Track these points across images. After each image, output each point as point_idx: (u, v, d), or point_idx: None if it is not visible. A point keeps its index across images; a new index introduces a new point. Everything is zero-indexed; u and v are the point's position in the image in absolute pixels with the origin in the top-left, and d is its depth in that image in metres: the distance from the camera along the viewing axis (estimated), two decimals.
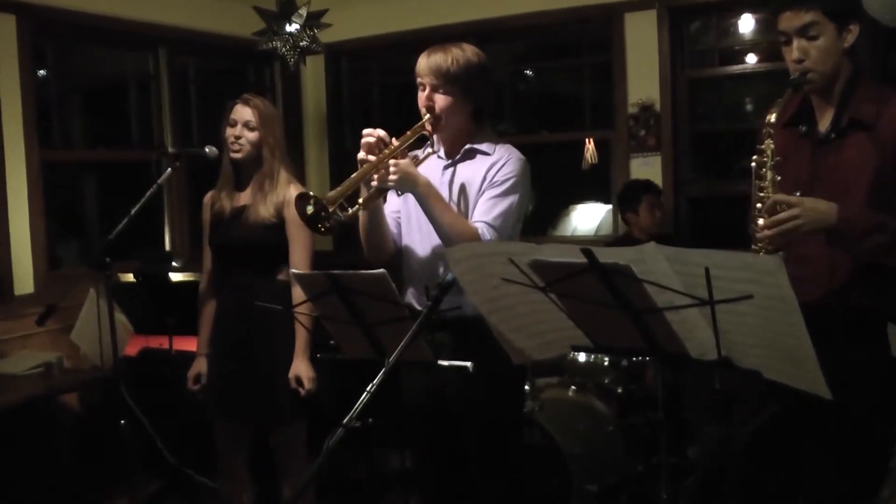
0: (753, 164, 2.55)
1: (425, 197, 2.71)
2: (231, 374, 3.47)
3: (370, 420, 2.18)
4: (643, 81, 5.49)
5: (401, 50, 6.06)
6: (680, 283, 1.84)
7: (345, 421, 2.12)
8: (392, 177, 2.64)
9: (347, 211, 2.66)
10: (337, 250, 6.57)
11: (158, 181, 3.38)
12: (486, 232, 2.73)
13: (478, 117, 2.91)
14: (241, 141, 3.46)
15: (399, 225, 2.99)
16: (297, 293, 2.91)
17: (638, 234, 5.05)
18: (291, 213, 3.43)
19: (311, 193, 2.63)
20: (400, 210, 2.99)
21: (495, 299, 2.24)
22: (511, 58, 6.29)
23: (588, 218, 6.27)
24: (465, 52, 2.81)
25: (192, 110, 6.09)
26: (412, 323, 2.33)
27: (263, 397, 3.42)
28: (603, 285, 1.91)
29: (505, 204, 2.77)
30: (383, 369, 2.23)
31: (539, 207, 6.35)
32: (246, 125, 3.47)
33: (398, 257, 3.00)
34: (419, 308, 2.77)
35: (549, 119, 6.30)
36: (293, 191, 3.46)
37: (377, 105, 6.77)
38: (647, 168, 5.48)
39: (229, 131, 3.49)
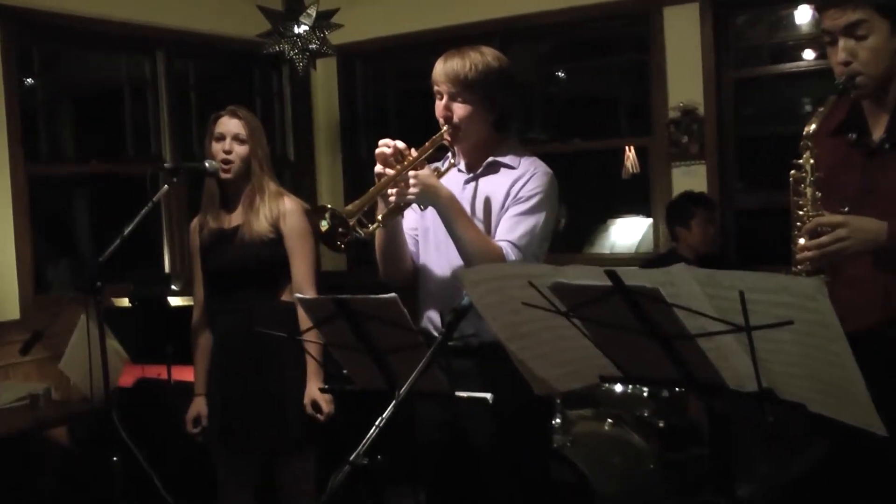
0: (791, 179, 2.54)
1: (448, 211, 2.73)
2: (236, 401, 3.50)
3: (379, 457, 2.19)
4: (685, 82, 5.49)
5: (420, 51, 6.09)
6: (712, 307, 1.84)
7: (351, 458, 2.13)
8: (412, 189, 2.67)
9: (367, 227, 2.70)
10: (352, 270, 6.61)
11: (154, 198, 3.38)
12: (510, 252, 2.75)
13: (500, 127, 2.93)
14: (232, 156, 3.51)
15: (417, 243, 3.02)
16: (304, 315, 2.93)
17: (685, 250, 5.05)
18: (289, 226, 3.48)
19: (329, 206, 2.65)
20: (417, 227, 3.02)
21: (515, 325, 2.26)
22: (539, 59, 6.32)
23: (628, 233, 6.27)
24: (484, 57, 2.83)
25: (193, 119, 6.15)
26: (427, 351, 2.35)
27: (273, 424, 3.45)
28: (629, 310, 1.92)
29: (530, 222, 2.79)
30: (393, 402, 2.24)
31: (573, 222, 6.36)
32: (236, 138, 3.53)
33: (415, 277, 3.03)
34: (436, 333, 2.79)
35: (581, 125, 6.31)
36: (288, 202, 3.52)
37: (394, 112, 6.83)
38: (689, 178, 5.47)
39: (216, 147, 3.53)
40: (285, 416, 3.43)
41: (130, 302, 4.64)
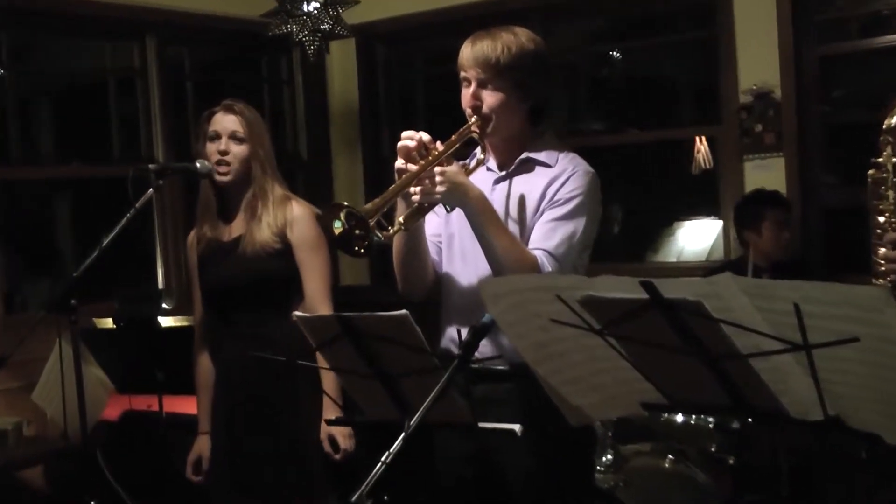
0: (870, 179, 2.53)
1: (479, 214, 2.74)
2: (245, 441, 3.52)
3: (385, 497, 2.21)
4: (758, 62, 5.47)
5: (450, 31, 6.04)
6: (765, 322, 1.84)
7: (354, 498, 2.15)
8: (439, 188, 2.67)
9: (388, 230, 2.71)
10: (376, 284, 6.64)
11: (136, 205, 3.39)
12: (546, 262, 2.76)
13: (536, 119, 2.95)
14: (229, 157, 3.52)
15: (439, 251, 3.03)
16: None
17: (757, 258, 5.03)
18: (298, 234, 3.50)
19: (344, 203, 2.65)
20: (440, 233, 3.03)
21: (543, 345, 2.25)
22: (588, 37, 6.32)
23: (698, 237, 6.25)
24: (517, 38, 2.84)
25: (189, 114, 6.21)
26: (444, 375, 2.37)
27: (290, 467, 3.47)
28: (670, 326, 1.92)
29: (568, 228, 2.80)
30: (402, 434, 2.26)
31: (634, 226, 6.35)
32: (233, 137, 3.54)
33: (437, 290, 3.05)
34: (458, 353, 2.82)
35: (638, 113, 6.31)
36: (296, 208, 3.54)
37: (422, 102, 6.86)
38: (765, 172, 5.45)
39: (211, 147, 3.55)
40: (304, 457, 3.46)
41: (115, 322, 4.67)
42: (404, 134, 2.75)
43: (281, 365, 3.03)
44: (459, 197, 2.72)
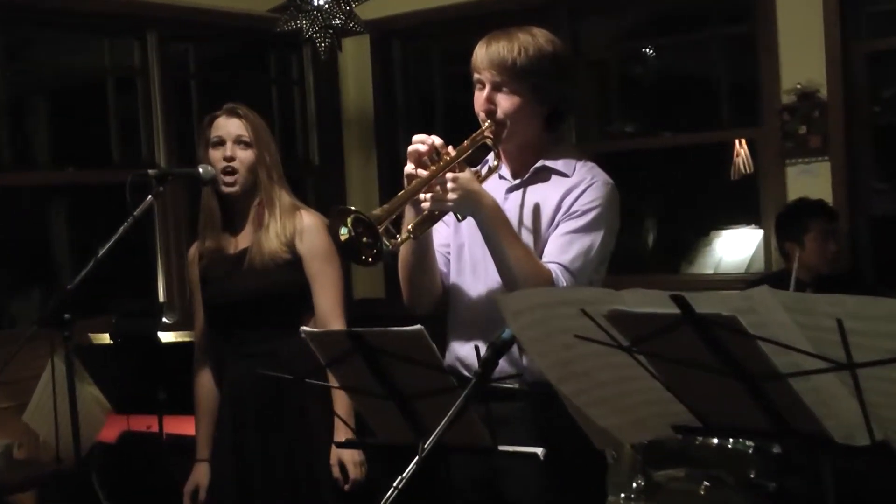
0: None
1: (492, 223, 2.75)
2: (252, 469, 3.52)
3: None
4: (801, 58, 5.46)
5: (471, 28, 6.05)
6: (806, 339, 1.83)
7: None
8: (451, 195, 2.69)
9: (397, 239, 2.73)
10: (392, 297, 6.64)
11: (135, 213, 3.41)
12: (560, 277, 2.77)
13: (553, 125, 2.97)
14: (236, 164, 3.53)
15: (448, 263, 3.06)
16: None
17: (800, 271, 5.00)
18: (308, 245, 3.51)
19: (351, 208, 2.66)
20: (449, 244, 3.05)
21: (567, 363, 2.25)
22: (621, 33, 6.31)
23: (737, 248, 6.24)
24: (535, 39, 2.86)
25: (193, 115, 6.22)
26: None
27: (302, 494, 3.47)
28: (703, 343, 1.92)
29: (585, 242, 2.83)
30: (416, 457, 2.25)
31: (668, 235, 6.34)
32: (238, 142, 3.55)
33: (444, 304, 3.06)
34: (465, 372, 2.83)
35: (673, 114, 6.30)
36: (306, 217, 3.55)
37: (441, 103, 6.87)
38: (809, 178, 5.43)
39: (215, 154, 3.56)
40: (318, 480, 3.46)
41: (112, 338, 4.66)
42: (415, 138, 2.77)
43: (290, 384, 3.04)
44: (472, 205, 2.73)
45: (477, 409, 2.43)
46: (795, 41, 5.48)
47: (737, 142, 5.83)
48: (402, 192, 2.71)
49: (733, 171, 5.84)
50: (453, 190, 2.68)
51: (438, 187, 2.69)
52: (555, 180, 2.92)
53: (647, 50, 6.50)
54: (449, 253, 3.05)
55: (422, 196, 2.71)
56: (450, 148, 2.77)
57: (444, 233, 3.05)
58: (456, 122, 6.63)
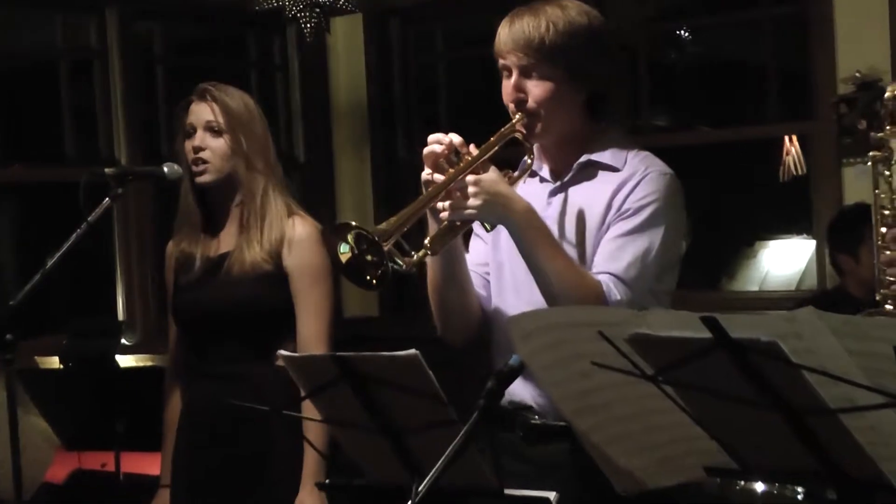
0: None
1: (526, 231, 2.73)
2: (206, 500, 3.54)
3: None
4: (862, 43, 5.46)
5: (480, 5, 6.13)
6: (858, 368, 1.83)
7: None
8: (472, 201, 2.67)
9: (412, 256, 2.69)
10: (385, 316, 6.65)
11: (90, 218, 3.42)
12: (612, 289, 2.74)
13: (595, 113, 2.94)
14: (205, 154, 3.53)
15: (487, 284, 3.03)
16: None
17: (855, 288, 5.01)
18: (297, 258, 3.51)
19: (353, 223, 2.66)
20: (489, 261, 3.03)
21: (584, 393, 2.25)
22: (652, 12, 6.31)
23: (785, 260, 6.25)
24: (566, 13, 2.83)
25: (160, 104, 6.24)
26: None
27: None
28: (739, 372, 1.91)
29: (640, 245, 2.79)
30: (410, 501, 2.26)
31: (705, 245, 6.33)
32: (209, 129, 3.55)
33: (486, 329, 3.03)
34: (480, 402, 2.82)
35: (713, 106, 6.31)
36: (298, 225, 3.54)
37: (446, 92, 6.86)
38: (869, 181, 5.40)
39: (186, 146, 3.58)
40: None
41: (63, 362, 4.65)
42: (431, 137, 2.76)
43: (251, 413, 3.04)
44: (500, 211, 2.71)
45: (481, 445, 2.44)
46: (855, 22, 5.49)
47: (786, 138, 5.84)
48: (416, 200, 2.70)
49: (782, 171, 5.85)
50: (475, 195, 2.66)
51: (458, 193, 2.68)
52: (602, 176, 2.89)
53: (682, 32, 6.51)
54: (488, 273, 3.03)
55: (440, 204, 2.69)
56: (471, 147, 2.75)
57: (481, 250, 3.04)
58: (463, 116, 6.64)
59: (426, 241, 2.74)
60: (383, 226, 2.62)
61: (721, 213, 6.24)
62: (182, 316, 3.67)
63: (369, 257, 2.61)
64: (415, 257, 2.69)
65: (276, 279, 3.51)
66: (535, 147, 2.90)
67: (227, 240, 3.60)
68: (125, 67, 5.97)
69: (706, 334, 1.90)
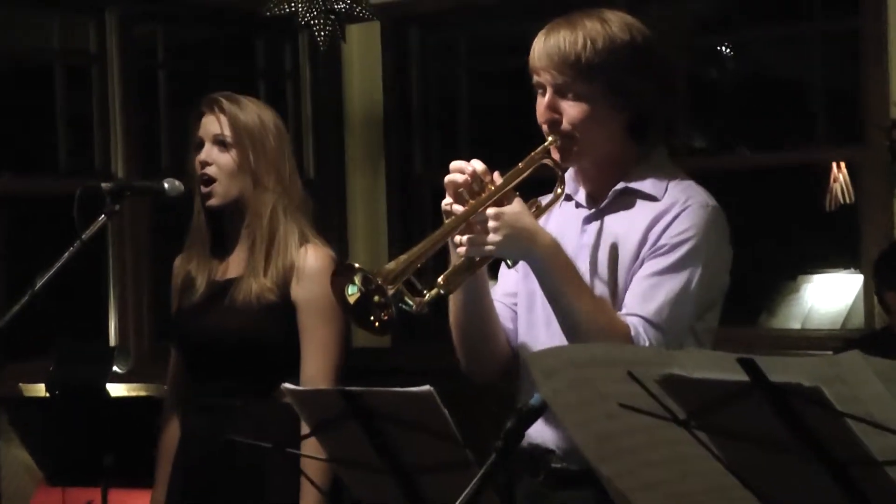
0: None
1: (548, 269, 2.72)
2: None
3: None
4: None
5: (505, 13, 6.17)
6: None
7: None
8: (493, 236, 2.66)
9: (423, 296, 2.69)
10: (397, 348, 6.64)
11: (84, 235, 3.42)
12: (642, 333, 2.73)
13: (637, 135, 2.93)
14: (212, 170, 3.53)
15: (515, 317, 3.01)
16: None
17: None
18: (307, 292, 3.48)
19: (356, 266, 2.66)
20: (518, 291, 3.01)
21: (609, 437, 2.24)
22: (692, 27, 6.32)
23: (831, 296, 6.25)
24: (606, 27, 2.82)
25: (161, 114, 6.25)
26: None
27: None
28: (778, 419, 1.90)
29: (675, 284, 2.76)
30: None
31: (744, 278, 6.32)
32: (216, 142, 3.55)
33: (514, 365, 3.01)
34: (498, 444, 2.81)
35: (754, 128, 6.30)
36: (311, 254, 3.52)
37: (466, 104, 6.85)
38: None
39: (196, 159, 3.58)
40: None
41: (49, 390, 4.65)
42: (453, 165, 2.74)
43: (249, 452, 3.03)
44: (521, 247, 2.71)
45: (498, 488, 2.43)
46: None
47: (834, 164, 5.83)
48: (430, 236, 2.70)
49: (829, 200, 5.83)
50: (496, 229, 2.65)
51: (478, 226, 2.67)
52: (640, 206, 2.87)
53: (724, 48, 6.51)
54: (516, 304, 3.01)
55: (458, 238, 2.69)
56: (495, 175, 2.73)
57: (511, 279, 3.01)
58: (485, 130, 6.63)
59: (440, 280, 2.73)
60: (390, 265, 2.61)
61: (761, 244, 6.21)
62: (180, 340, 3.69)
63: (378, 298, 2.60)
64: (426, 297, 2.68)
65: (281, 311, 3.50)
66: (573, 169, 2.90)
67: (235, 264, 3.60)
68: (124, 73, 5.98)
69: (743, 377, 1.89)
